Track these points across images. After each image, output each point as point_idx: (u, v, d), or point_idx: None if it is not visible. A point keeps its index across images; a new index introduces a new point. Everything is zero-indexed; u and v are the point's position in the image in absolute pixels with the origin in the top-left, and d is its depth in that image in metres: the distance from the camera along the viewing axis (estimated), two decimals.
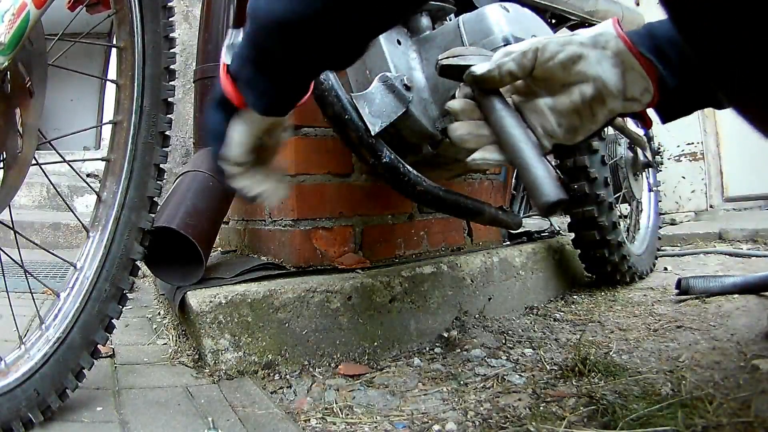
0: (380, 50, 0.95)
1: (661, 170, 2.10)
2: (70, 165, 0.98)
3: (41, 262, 2.01)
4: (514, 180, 2.27)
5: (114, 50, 0.95)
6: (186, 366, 1.03)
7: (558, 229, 1.98)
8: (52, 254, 0.98)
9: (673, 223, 3.20)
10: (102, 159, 0.94)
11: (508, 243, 1.70)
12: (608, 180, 1.59)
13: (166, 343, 1.18)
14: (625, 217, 1.95)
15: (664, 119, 0.73)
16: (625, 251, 1.66)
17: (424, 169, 1.01)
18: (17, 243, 0.85)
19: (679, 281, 1.49)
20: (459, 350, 1.15)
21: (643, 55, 0.66)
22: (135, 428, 0.77)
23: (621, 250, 1.63)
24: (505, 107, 0.69)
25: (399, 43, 0.99)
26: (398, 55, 0.97)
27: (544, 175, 0.64)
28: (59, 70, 0.87)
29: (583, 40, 0.69)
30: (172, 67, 0.97)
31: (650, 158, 1.90)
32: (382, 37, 0.96)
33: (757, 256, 2.07)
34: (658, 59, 0.66)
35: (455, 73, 0.73)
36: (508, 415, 0.83)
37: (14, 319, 0.87)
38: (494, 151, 0.70)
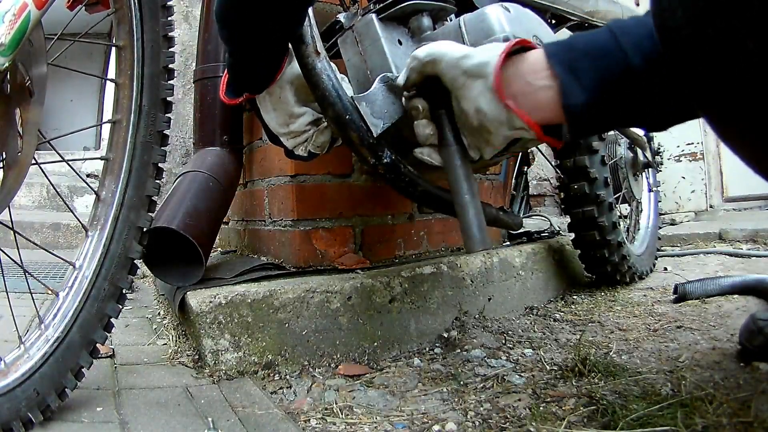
0: (381, 51, 0.95)
1: (660, 170, 2.09)
2: (69, 165, 0.98)
3: (41, 262, 2.01)
4: (513, 180, 2.27)
5: (113, 49, 0.95)
6: (186, 366, 1.03)
7: (558, 229, 1.98)
8: (52, 254, 0.98)
9: (673, 223, 3.21)
10: (101, 158, 0.94)
11: (508, 243, 1.70)
12: (608, 180, 1.59)
13: (166, 344, 1.18)
14: (625, 217, 1.95)
15: (573, 135, 0.68)
16: (625, 251, 1.65)
17: (424, 169, 1.01)
18: (17, 243, 0.85)
19: (675, 287, 1.49)
20: (459, 350, 1.15)
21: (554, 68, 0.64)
22: (135, 428, 0.77)
23: (621, 250, 1.63)
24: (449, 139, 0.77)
25: (400, 43, 0.99)
26: (399, 56, 0.97)
27: (473, 222, 0.75)
28: (59, 70, 0.87)
29: (470, 66, 0.69)
30: (171, 66, 0.97)
31: (650, 158, 1.89)
32: (383, 38, 0.95)
33: (757, 256, 2.07)
34: (567, 73, 0.64)
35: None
36: (508, 416, 0.83)
37: (14, 319, 0.87)
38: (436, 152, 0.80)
